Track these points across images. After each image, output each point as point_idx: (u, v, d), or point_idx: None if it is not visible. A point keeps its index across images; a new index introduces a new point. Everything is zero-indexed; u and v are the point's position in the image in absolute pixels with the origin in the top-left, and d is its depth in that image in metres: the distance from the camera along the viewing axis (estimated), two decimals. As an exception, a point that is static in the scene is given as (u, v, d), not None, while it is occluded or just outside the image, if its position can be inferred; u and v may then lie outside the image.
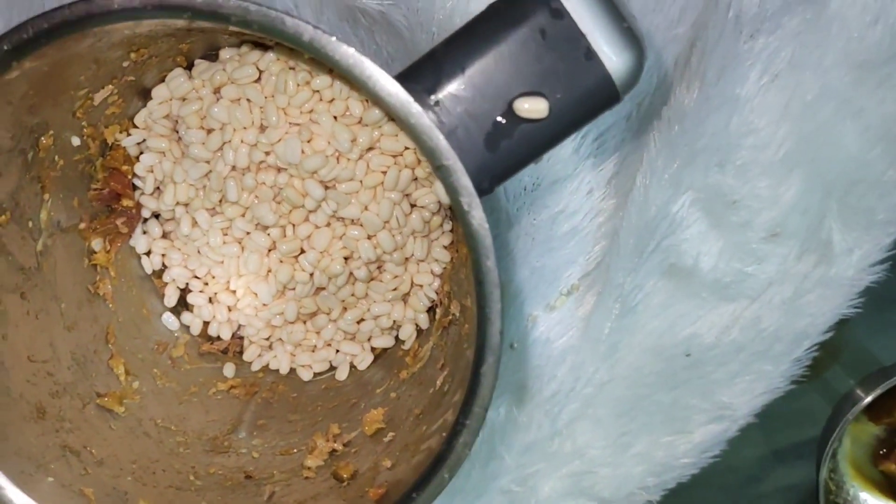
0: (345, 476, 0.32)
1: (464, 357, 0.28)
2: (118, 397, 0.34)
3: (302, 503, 0.31)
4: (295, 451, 0.34)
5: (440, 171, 0.24)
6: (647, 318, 0.41)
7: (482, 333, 0.25)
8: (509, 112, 0.26)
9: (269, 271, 0.36)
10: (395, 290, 0.36)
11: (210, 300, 0.37)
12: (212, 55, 0.34)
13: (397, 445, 0.31)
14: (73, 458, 0.31)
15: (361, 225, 0.33)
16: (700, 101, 0.37)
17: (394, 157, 0.32)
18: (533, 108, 0.26)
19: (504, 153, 0.26)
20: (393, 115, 0.24)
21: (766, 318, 0.40)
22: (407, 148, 0.32)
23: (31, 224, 0.32)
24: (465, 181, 0.24)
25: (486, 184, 0.26)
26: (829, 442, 0.43)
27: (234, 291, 0.36)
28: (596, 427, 0.42)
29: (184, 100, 0.33)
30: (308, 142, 0.31)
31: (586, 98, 0.26)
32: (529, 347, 0.41)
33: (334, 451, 0.33)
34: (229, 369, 0.38)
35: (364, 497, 0.29)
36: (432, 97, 0.26)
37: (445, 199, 0.26)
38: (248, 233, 0.35)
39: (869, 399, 0.42)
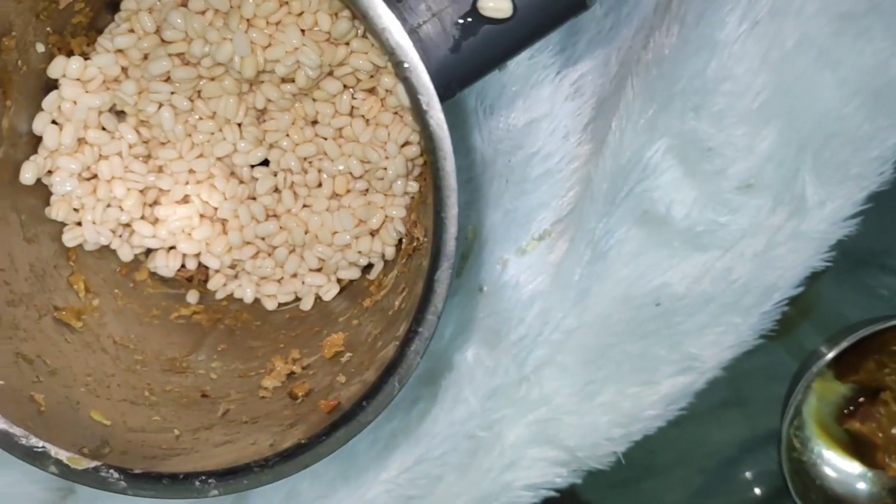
0: (299, 394, 0.31)
1: (420, 271, 0.28)
2: (76, 312, 0.34)
3: (255, 419, 0.31)
4: (253, 374, 0.34)
5: (399, 68, 0.24)
6: (618, 266, 0.40)
7: (437, 239, 0.25)
8: (473, 11, 0.25)
9: (232, 174, 0.35)
10: (365, 223, 0.35)
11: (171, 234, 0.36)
12: (181, -35, 0.33)
13: (353, 364, 0.31)
14: (26, 365, 0.31)
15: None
16: (679, 45, 0.37)
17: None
18: (497, 6, 0.25)
19: (467, 55, 0.26)
20: (353, 9, 0.24)
21: (737, 269, 0.40)
22: (378, 67, 0.31)
23: (-9, 130, 0.32)
24: (424, 79, 0.24)
25: (447, 87, 0.26)
26: (792, 395, 0.42)
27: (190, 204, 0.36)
28: (563, 374, 0.42)
29: (150, 11, 0.32)
30: (264, 48, 0.31)
31: (552, 1, 0.26)
32: (499, 291, 0.41)
33: (292, 373, 0.33)
34: (193, 296, 0.37)
35: (316, 410, 0.29)
36: (394, -8, 0.25)
37: (405, 101, 0.25)
38: (211, 134, 0.34)
39: (832, 354, 0.41)
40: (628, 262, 0.40)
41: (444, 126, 0.24)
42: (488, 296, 0.42)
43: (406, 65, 0.24)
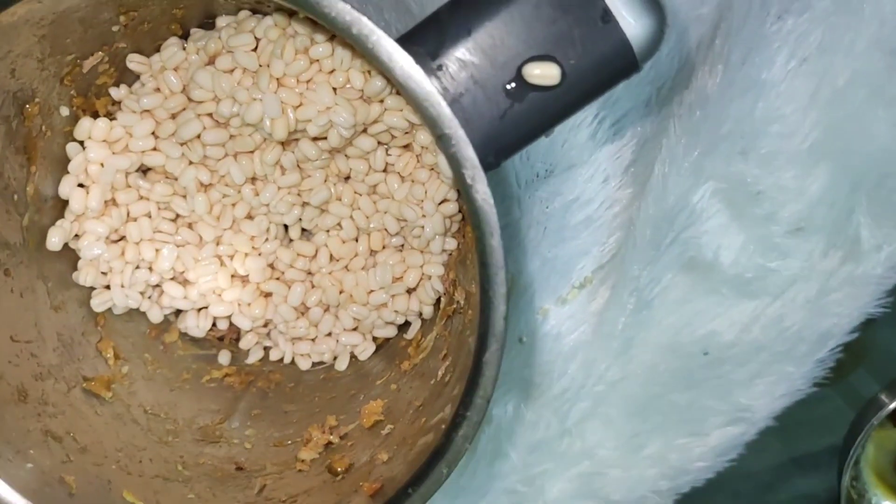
0: (339, 469, 0.30)
1: (466, 345, 0.26)
2: (106, 382, 0.33)
3: (294, 497, 0.30)
4: (289, 442, 0.33)
5: (442, 140, 0.22)
6: (663, 314, 0.39)
7: (485, 319, 0.24)
8: (518, 78, 0.24)
9: (264, 232, 0.34)
10: (401, 281, 0.34)
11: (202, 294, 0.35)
12: (208, 24, 0.32)
13: (395, 438, 0.29)
14: (55, 444, 0.30)
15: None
16: (723, 86, 0.36)
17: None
18: (544, 73, 0.24)
19: (512, 123, 0.24)
20: (392, 79, 0.23)
21: (789, 316, 0.39)
22: (413, 124, 0.30)
23: (16, 197, 0.31)
24: (468, 152, 0.22)
25: (492, 157, 0.25)
26: (853, 448, 0.41)
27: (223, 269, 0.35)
28: (607, 427, 0.40)
29: (177, 70, 0.31)
30: (296, 108, 0.30)
31: (602, 65, 0.24)
32: (539, 342, 0.40)
33: (330, 443, 0.32)
34: (224, 357, 0.36)
35: (358, 492, 0.28)
36: (436, 61, 0.24)
37: (448, 173, 0.24)
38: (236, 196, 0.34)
39: (895, 405, 0.40)
40: (674, 311, 0.39)
41: (490, 200, 0.23)
42: (528, 347, 0.40)
43: (449, 137, 0.22)
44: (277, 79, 0.30)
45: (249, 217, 0.34)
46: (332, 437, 0.32)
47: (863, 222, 0.37)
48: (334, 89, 0.30)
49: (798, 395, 0.40)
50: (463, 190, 0.23)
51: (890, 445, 0.43)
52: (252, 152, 0.33)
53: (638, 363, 0.39)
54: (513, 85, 0.24)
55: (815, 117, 0.36)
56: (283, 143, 0.32)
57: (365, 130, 0.31)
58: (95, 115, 0.33)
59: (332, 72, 0.30)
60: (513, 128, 0.24)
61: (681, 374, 0.39)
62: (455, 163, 0.23)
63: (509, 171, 0.38)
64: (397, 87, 0.23)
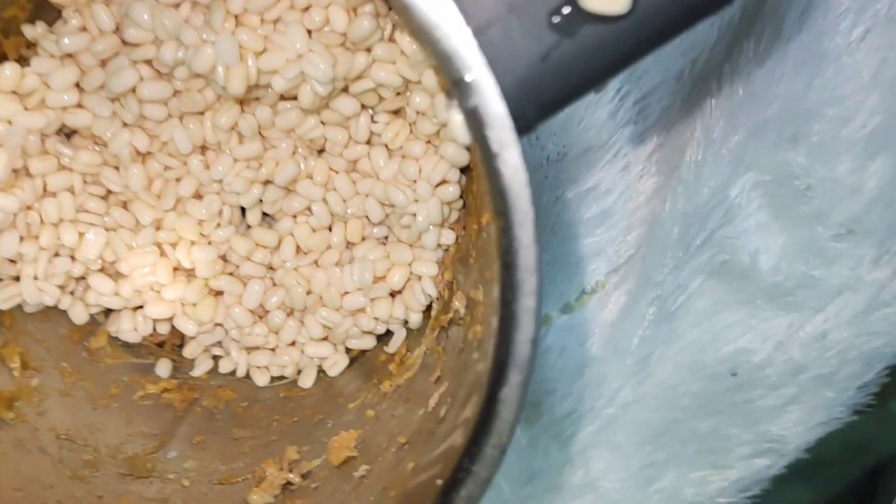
0: (296, 524, 0.24)
1: (472, 371, 0.21)
2: (7, 399, 0.28)
3: (236, 555, 0.24)
4: (238, 480, 0.28)
5: (459, 89, 0.16)
6: (686, 327, 0.36)
7: (505, 341, 0.18)
8: (571, 3, 0.18)
9: (217, 215, 0.30)
10: (383, 281, 0.30)
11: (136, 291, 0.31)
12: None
13: (372, 486, 0.24)
14: (-68, 483, 0.24)
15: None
16: (773, 59, 0.33)
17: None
18: (608, -3, 0.18)
19: (557, 68, 0.18)
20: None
21: (833, 333, 0.36)
22: (408, 81, 0.25)
23: None
24: (496, 106, 0.16)
25: (529, 115, 0.18)
26: (896, 487, 0.37)
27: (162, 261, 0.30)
28: (615, 455, 0.37)
29: (108, 3, 0.26)
30: (258, 54, 0.25)
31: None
32: (540, 356, 0.37)
33: (288, 483, 0.27)
34: (164, 368, 0.32)
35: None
36: (454, -27, 0.18)
37: (464, 137, 0.18)
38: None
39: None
40: (700, 323, 0.36)
41: (524, 176, 0.17)
42: (528, 361, 0.37)
43: (470, 85, 0.16)
44: (236, 16, 0.26)
45: (197, 196, 0.30)
46: (291, 475, 0.27)
47: (924, 227, 0.36)
48: (309, 32, 0.25)
49: (835, 424, 0.37)
50: (485, 161, 0.17)
51: (934, 482, 0.39)
52: (202, 113, 0.28)
53: (654, 384, 0.36)
54: (563, 13, 0.18)
55: (876, 99, 0.34)
56: (241, 102, 0.28)
57: (346, 89, 0.27)
58: (3, 59, 0.28)
59: (306, 8, 0.25)
60: (558, 74, 0.18)
61: (703, 397, 0.37)
62: (477, 122, 0.16)
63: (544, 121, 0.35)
64: (394, 7, 0.17)
